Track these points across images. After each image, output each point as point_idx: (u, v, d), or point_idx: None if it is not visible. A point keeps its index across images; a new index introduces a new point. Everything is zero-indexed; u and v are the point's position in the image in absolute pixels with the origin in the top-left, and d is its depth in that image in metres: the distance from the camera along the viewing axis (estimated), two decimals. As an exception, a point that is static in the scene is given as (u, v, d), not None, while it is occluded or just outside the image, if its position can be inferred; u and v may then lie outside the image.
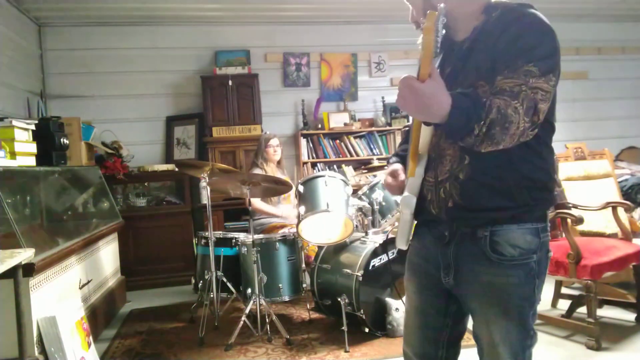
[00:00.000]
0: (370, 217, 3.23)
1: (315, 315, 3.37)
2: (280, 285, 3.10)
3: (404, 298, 2.31)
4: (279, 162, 3.98)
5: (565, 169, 3.60)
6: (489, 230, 1.24)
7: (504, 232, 1.23)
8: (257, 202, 3.74)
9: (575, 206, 3.21)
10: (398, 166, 1.46)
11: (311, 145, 5.21)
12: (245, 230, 4.11)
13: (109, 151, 4.65)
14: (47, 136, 3.21)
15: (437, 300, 1.37)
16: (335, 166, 5.23)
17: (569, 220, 2.77)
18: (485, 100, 1.12)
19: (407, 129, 1.63)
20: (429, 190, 1.32)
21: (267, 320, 2.99)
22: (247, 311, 2.99)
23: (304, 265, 3.28)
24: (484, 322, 1.28)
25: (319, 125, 5.29)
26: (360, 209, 3.23)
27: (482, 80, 1.20)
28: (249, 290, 3.10)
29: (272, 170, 3.86)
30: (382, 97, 5.49)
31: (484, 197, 1.23)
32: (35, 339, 2.26)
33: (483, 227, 1.24)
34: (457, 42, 1.31)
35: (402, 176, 1.42)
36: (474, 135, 1.10)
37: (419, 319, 1.41)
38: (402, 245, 1.42)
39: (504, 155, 1.18)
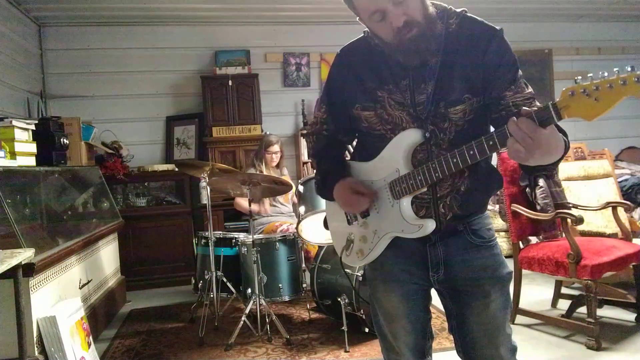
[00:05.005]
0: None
1: (315, 315, 3.37)
2: (280, 285, 3.10)
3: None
4: (277, 165, 3.98)
5: (565, 169, 3.60)
6: (466, 222, 1.34)
7: (478, 221, 1.36)
8: (239, 200, 3.82)
9: (575, 206, 3.21)
10: (351, 180, 1.37)
11: (311, 145, 5.20)
12: (245, 230, 4.10)
13: (109, 151, 4.65)
14: (47, 136, 3.21)
15: (423, 302, 1.41)
16: (335, 166, 5.21)
17: (569, 220, 2.76)
18: None
19: (321, 139, 1.49)
20: (421, 207, 1.30)
21: (267, 320, 2.99)
22: (247, 311, 2.99)
23: (304, 265, 3.28)
24: (483, 302, 1.32)
25: (319, 125, 5.28)
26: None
27: (469, 93, 1.22)
28: (249, 290, 3.10)
29: (268, 172, 3.85)
30: (382, 97, 5.49)
31: (477, 203, 1.35)
32: (35, 339, 2.26)
33: (461, 223, 1.34)
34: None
35: (362, 188, 1.34)
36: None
37: (409, 324, 1.40)
38: (363, 262, 1.42)
39: (489, 164, 1.35)
